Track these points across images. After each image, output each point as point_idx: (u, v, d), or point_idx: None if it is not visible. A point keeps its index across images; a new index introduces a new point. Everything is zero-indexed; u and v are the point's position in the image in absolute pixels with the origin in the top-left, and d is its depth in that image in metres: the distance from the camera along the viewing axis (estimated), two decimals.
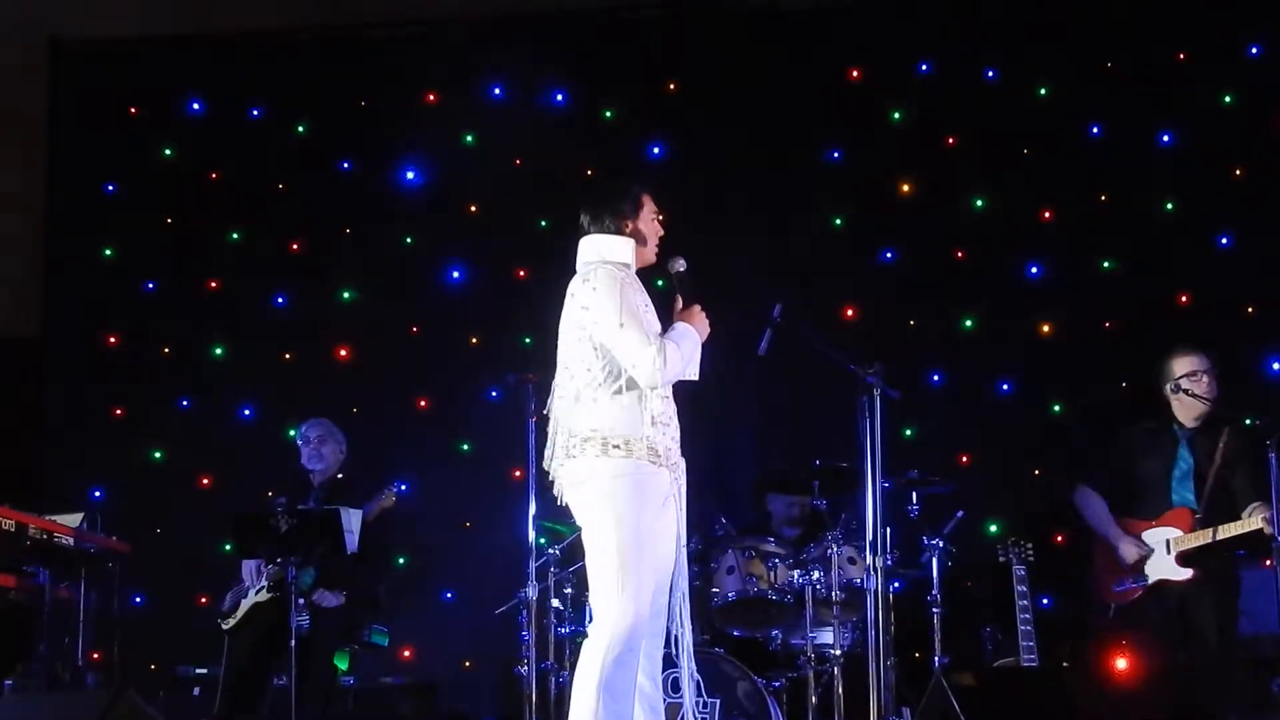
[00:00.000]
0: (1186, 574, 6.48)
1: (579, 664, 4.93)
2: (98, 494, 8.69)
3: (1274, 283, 8.28)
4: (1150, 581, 6.56)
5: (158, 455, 8.94)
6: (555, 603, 7.01)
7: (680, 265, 5.26)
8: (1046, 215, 8.60)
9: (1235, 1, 8.57)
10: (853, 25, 8.81)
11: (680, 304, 5.21)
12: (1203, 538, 6.44)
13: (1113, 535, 6.69)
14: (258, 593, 7.18)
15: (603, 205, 5.21)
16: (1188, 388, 6.58)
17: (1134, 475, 6.76)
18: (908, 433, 8.22)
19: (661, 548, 5.01)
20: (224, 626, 7.25)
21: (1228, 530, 6.39)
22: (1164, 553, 6.54)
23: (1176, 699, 5.33)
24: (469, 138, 9.02)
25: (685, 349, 5.06)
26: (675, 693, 5.93)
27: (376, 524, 7.16)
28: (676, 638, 5.17)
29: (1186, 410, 6.66)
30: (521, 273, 8.81)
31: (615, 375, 4.99)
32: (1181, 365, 6.65)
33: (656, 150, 8.83)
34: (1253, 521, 6.35)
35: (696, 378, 5.16)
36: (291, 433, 7.67)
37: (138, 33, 9.14)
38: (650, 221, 5.26)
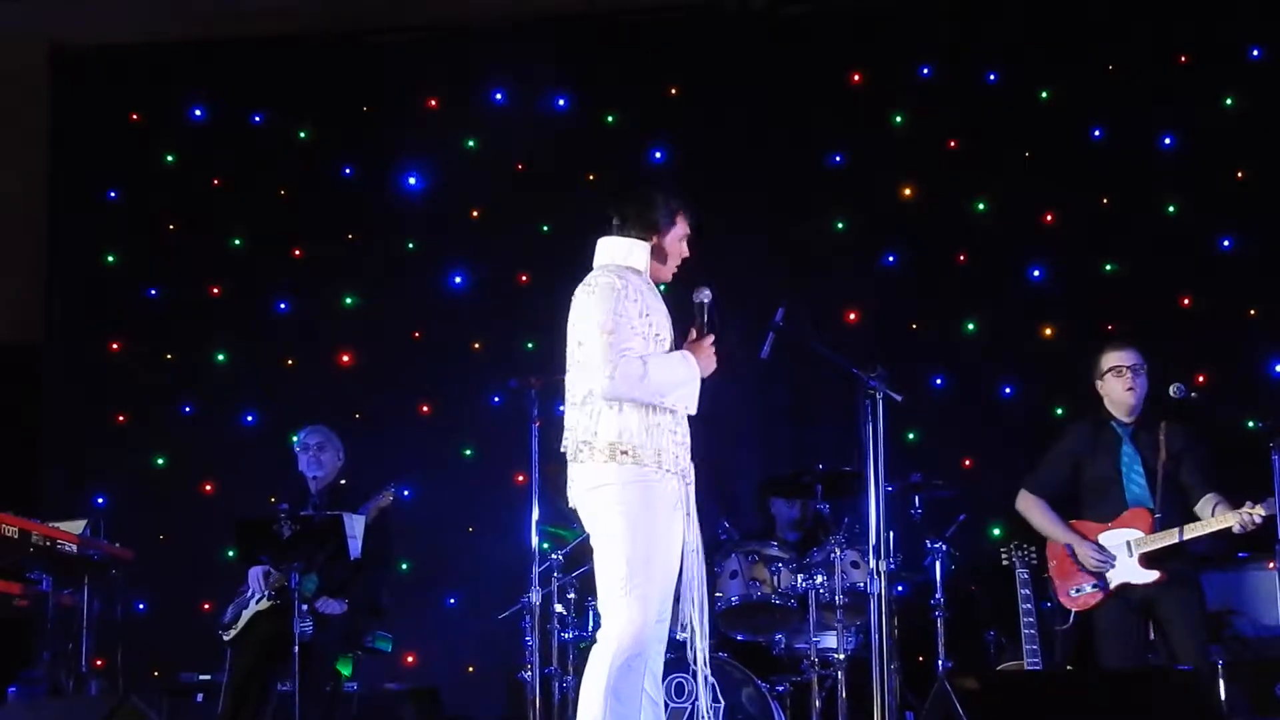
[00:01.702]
0: (1153, 576, 6.36)
1: (587, 668, 4.92)
2: (101, 500, 8.69)
3: (1276, 285, 8.27)
4: (1112, 586, 6.43)
5: (160, 461, 8.94)
6: (559, 608, 7.02)
7: (705, 296, 5.20)
8: (1048, 218, 8.60)
9: (1236, 4, 8.57)
10: (854, 29, 8.80)
11: (694, 335, 5.16)
12: (1168, 538, 6.32)
13: (1067, 539, 6.56)
14: (259, 602, 7.17)
15: (636, 210, 5.16)
16: (1111, 380, 6.56)
17: (1081, 477, 6.64)
18: (910, 436, 8.21)
19: (670, 555, 4.99)
20: (225, 638, 7.24)
21: (1193, 530, 6.32)
22: (1126, 555, 6.41)
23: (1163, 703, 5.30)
24: (471, 143, 9.02)
25: (670, 374, 4.99)
26: (679, 698, 5.94)
27: (379, 529, 7.14)
28: (690, 643, 5.14)
29: (1118, 405, 6.60)
30: (524, 277, 8.80)
31: None
32: (1110, 359, 6.62)
33: (658, 154, 8.83)
34: (1224, 519, 6.27)
35: (693, 412, 5.10)
36: (294, 439, 7.67)
37: (139, 39, 9.14)
38: (677, 241, 5.21)
